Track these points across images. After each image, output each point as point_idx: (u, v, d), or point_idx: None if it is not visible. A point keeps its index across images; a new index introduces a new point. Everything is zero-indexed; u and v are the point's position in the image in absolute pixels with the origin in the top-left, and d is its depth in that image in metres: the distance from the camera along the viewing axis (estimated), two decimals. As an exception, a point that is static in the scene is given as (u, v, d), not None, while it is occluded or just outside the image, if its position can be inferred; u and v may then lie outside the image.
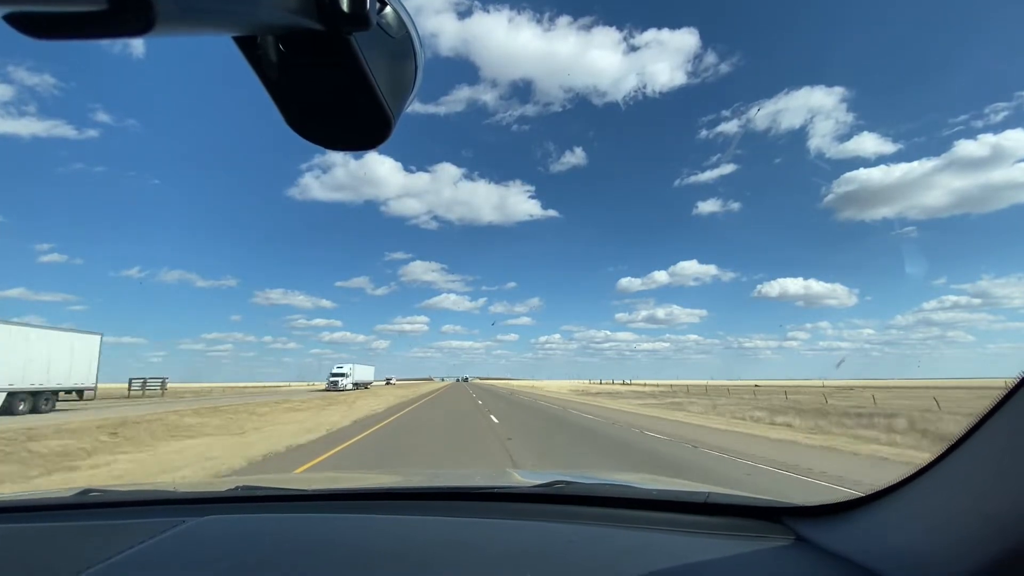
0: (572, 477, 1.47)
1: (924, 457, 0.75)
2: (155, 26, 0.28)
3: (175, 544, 0.99)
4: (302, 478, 2.77)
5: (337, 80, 0.45)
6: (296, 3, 0.37)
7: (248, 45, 0.43)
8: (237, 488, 1.37)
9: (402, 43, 0.48)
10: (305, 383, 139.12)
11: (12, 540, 1.07)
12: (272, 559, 0.92)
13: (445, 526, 1.09)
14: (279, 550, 0.97)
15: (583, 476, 1.60)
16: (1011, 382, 0.63)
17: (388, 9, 0.46)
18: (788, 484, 6.56)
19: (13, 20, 0.29)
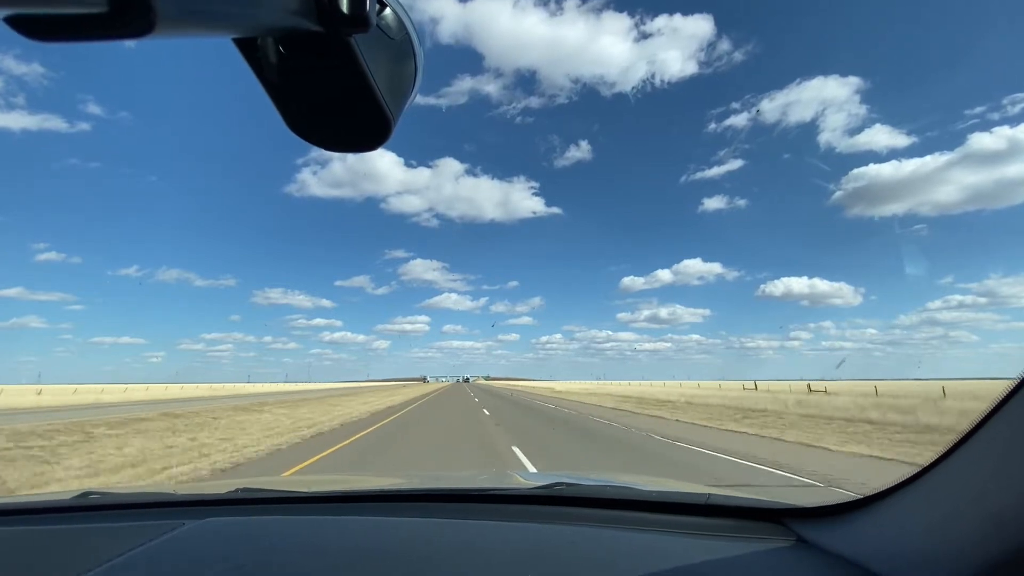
0: (574, 479, 1.47)
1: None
2: (155, 28, 0.28)
3: (174, 547, 0.99)
4: (302, 480, 2.77)
5: (337, 82, 0.45)
6: (296, 5, 0.37)
7: (248, 47, 0.43)
8: (237, 490, 1.37)
9: (401, 44, 0.48)
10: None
11: (11, 543, 1.06)
12: (272, 561, 0.92)
13: (446, 528, 1.09)
14: (279, 552, 0.96)
15: (585, 478, 1.60)
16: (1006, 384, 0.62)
17: (388, 11, 0.46)
18: None
19: (13, 22, 0.29)
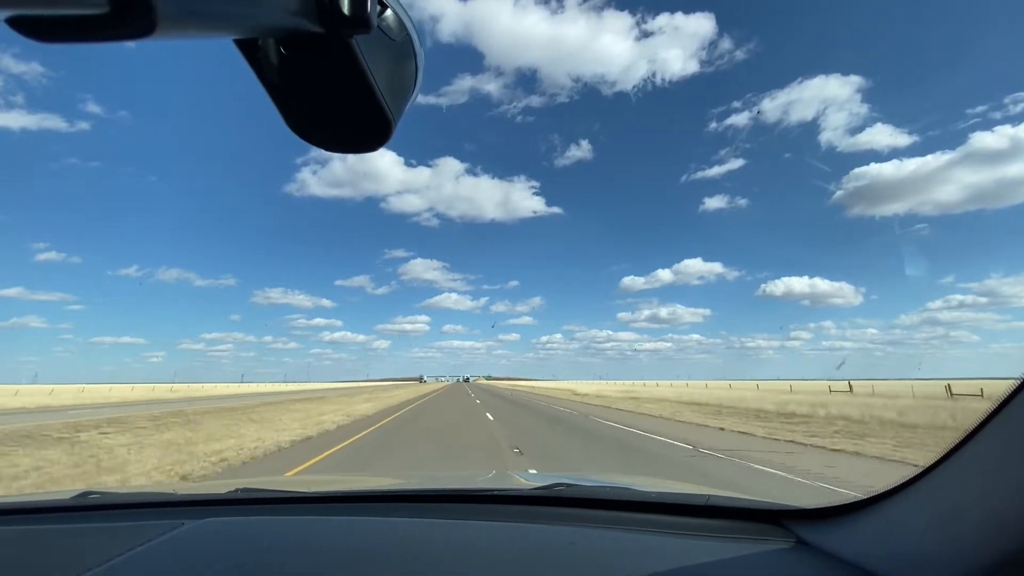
0: (573, 479, 1.47)
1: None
2: (157, 29, 0.28)
3: (174, 546, 0.99)
4: (301, 480, 2.77)
5: (338, 82, 0.45)
6: (297, 6, 0.37)
7: (249, 47, 0.43)
8: (236, 490, 1.37)
9: (402, 45, 0.48)
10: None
11: (11, 542, 1.06)
12: (271, 561, 0.92)
13: (446, 528, 1.09)
14: (278, 552, 0.96)
15: (584, 478, 1.60)
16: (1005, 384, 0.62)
17: (388, 12, 0.46)
18: None
19: (15, 23, 0.29)
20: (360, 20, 0.38)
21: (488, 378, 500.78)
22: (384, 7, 0.45)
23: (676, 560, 0.89)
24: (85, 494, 1.35)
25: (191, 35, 0.32)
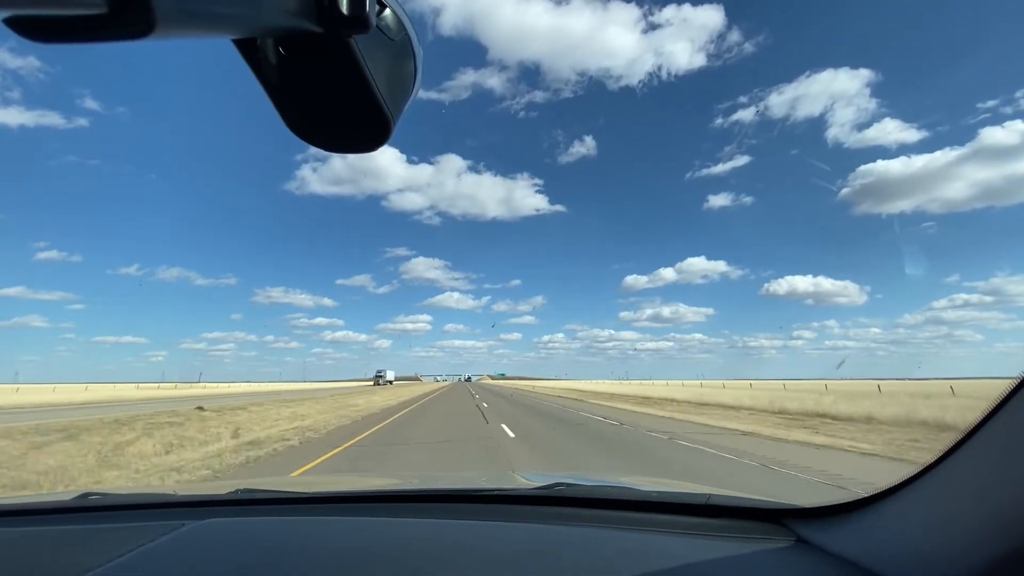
0: (573, 479, 1.47)
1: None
2: (155, 29, 0.28)
3: (175, 547, 0.99)
4: (302, 481, 2.77)
5: (336, 82, 0.45)
6: (296, 6, 0.37)
7: (247, 47, 0.43)
8: (237, 491, 1.37)
9: (401, 45, 0.49)
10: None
11: (12, 544, 1.06)
12: (272, 562, 0.92)
13: (446, 528, 1.09)
14: (279, 553, 0.96)
15: (584, 478, 1.60)
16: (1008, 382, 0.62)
17: (387, 11, 0.46)
18: None
19: (13, 23, 0.29)
20: (359, 20, 0.39)
21: (500, 377, 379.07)
22: (383, 7, 0.45)
23: (677, 559, 0.89)
24: (85, 495, 1.35)
25: (189, 35, 0.32)
